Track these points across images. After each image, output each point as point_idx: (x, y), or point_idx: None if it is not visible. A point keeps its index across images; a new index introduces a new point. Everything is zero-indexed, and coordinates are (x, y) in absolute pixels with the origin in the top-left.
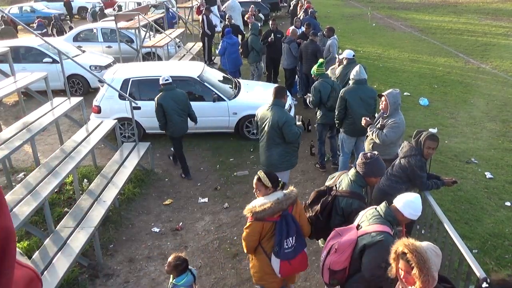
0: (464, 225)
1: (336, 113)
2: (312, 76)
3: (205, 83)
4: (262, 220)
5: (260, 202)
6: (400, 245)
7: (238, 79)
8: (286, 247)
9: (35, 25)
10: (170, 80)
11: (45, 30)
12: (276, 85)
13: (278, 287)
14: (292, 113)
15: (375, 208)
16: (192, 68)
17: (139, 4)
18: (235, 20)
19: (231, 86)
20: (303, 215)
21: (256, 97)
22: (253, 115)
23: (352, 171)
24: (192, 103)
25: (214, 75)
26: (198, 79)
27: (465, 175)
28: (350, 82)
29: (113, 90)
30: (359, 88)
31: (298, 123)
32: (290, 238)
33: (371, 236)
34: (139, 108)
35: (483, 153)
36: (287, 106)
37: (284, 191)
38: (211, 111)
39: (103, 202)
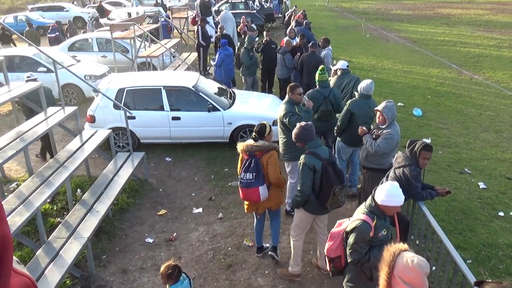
0: (458, 235)
1: (339, 124)
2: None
3: (200, 93)
4: (240, 153)
5: (244, 142)
6: (385, 250)
7: (233, 89)
8: (242, 178)
9: (49, 29)
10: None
11: (58, 33)
12: (270, 95)
13: (249, 210)
14: None
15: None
16: (187, 78)
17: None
18: (227, 30)
19: (226, 96)
20: (272, 165)
21: (251, 107)
22: (248, 125)
23: None
24: (187, 113)
25: (209, 85)
26: (193, 89)
27: (459, 185)
28: (357, 94)
29: (107, 99)
30: (365, 102)
31: (305, 101)
32: (248, 174)
33: (351, 224)
34: (133, 117)
35: (476, 163)
36: None
37: (264, 141)
38: (206, 121)
39: (97, 212)
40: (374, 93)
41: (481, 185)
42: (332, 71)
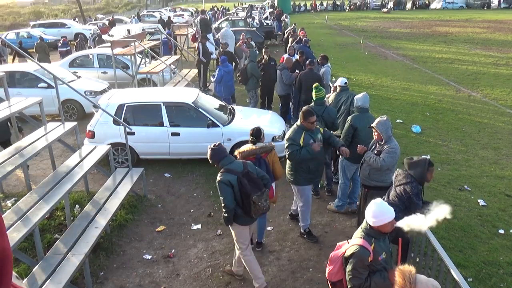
0: (458, 253)
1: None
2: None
3: (200, 109)
4: (244, 158)
5: (245, 147)
6: (397, 271)
7: (233, 106)
8: None
9: (60, 43)
10: None
11: (69, 48)
12: (270, 111)
13: None
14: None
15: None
16: (187, 94)
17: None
18: (229, 47)
19: (225, 112)
20: (278, 162)
21: (251, 123)
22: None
23: None
24: (186, 128)
25: (208, 101)
26: (193, 105)
27: (459, 202)
28: (355, 109)
29: (107, 115)
30: (366, 116)
31: (311, 142)
32: None
33: (349, 249)
34: (133, 133)
35: (475, 181)
36: (280, 133)
37: (263, 143)
38: (205, 137)
39: (95, 228)
40: (373, 110)
41: (481, 202)
42: (332, 88)
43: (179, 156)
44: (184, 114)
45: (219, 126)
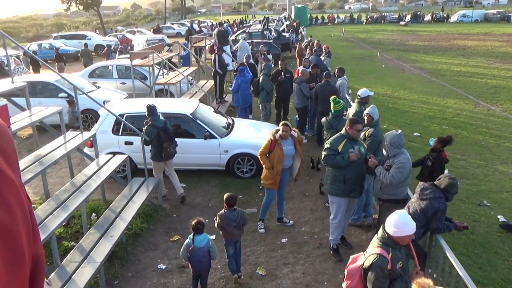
0: (477, 270)
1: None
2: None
3: (198, 121)
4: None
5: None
6: (415, 284)
7: (233, 118)
8: None
9: (117, 53)
10: None
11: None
12: (267, 123)
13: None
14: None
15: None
16: (186, 105)
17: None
18: (239, 59)
19: (224, 124)
20: (263, 144)
21: (249, 135)
22: (245, 154)
23: None
24: (183, 139)
25: (208, 113)
26: (191, 116)
27: (478, 218)
28: (373, 124)
29: (106, 124)
30: (379, 128)
31: (350, 150)
32: None
33: (367, 260)
34: (131, 143)
35: (495, 196)
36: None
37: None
38: (202, 148)
39: (110, 237)
40: (390, 123)
41: (501, 218)
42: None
43: (176, 166)
44: (182, 125)
45: (216, 138)
